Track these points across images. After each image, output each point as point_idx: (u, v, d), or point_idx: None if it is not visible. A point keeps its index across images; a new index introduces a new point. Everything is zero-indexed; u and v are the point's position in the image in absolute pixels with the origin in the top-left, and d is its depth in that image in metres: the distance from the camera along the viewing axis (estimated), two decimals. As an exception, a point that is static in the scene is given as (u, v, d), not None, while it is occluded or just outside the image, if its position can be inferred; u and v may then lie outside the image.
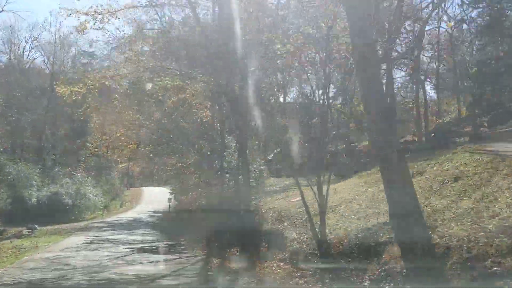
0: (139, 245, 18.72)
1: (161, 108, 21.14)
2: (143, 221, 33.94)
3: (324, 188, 13.44)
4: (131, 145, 23.32)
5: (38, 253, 16.81)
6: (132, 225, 31.04)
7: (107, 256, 14.95)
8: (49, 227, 30.48)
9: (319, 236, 12.36)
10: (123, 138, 24.07)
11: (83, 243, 19.66)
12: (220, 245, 17.61)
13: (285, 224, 16.18)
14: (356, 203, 15.72)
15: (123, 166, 61.38)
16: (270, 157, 21.16)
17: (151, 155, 25.40)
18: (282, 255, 13.79)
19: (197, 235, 21.68)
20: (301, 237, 13.96)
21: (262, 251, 15.04)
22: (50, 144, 44.65)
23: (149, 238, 22.17)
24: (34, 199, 35.11)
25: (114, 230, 27.34)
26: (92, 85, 15.02)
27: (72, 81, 15.03)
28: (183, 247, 18.31)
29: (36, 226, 30.13)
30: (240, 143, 17.13)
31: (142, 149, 24.27)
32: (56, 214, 34.85)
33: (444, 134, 33.73)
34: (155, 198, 50.81)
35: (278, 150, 17.06)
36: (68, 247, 18.28)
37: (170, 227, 28.03)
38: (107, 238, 21.75)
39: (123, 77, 15.24)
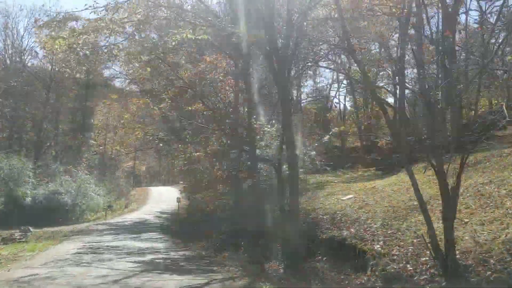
0: (148, 257, 13.56)
1: (174, 83, 16.03)
2: (151, 223, 28.86)
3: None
4: (137, 132, 18.16)
5: (9, 269, 11.62)
6: (138, 227, 25.97)
7: (102, 278, 9.74)
8: (45, 229, 25.95)
9: (445, 255, 7.17)
10: (128, 124, 19.01)
11: (76, 253, 14.52)
12: (258, 258, 12.49)
13: (352, 230, 11.00)
14: (459, 202, 10.50)
15: (128, 165, 56.28)
16: (326, 138, 15.85)
17: (161, 144, 20.18)
18: (366, 278, 8.67)
19: (220, 242, 16.61)
20: (394, 252, 8.79)
21: (329, 271, 9.91)
22: (50, 139, 39.42)
23: (159, 245, 17.03)
24: (29, 198, 29.96)
25: (117, 234, 22.24)
26: (84, 33, 9.88)
27: (55, 24, 9.78)
28: (208, 260, 13.14)
29: (30, 228, 25.42)
30: (284, 122, 11.96)
31: (151, 137, 19.09)
32: (55, 214, 30.01)
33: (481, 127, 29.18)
34: (163, 198, 46.16)
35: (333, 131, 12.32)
36: (54, 260, 13.14)
37: (183, 230, 22.95)
38: (107, 246, 16.60)
39: (127, 22, 10.14)
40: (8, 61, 39.85)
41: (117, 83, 41.49)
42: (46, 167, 37.71)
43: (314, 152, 14.11)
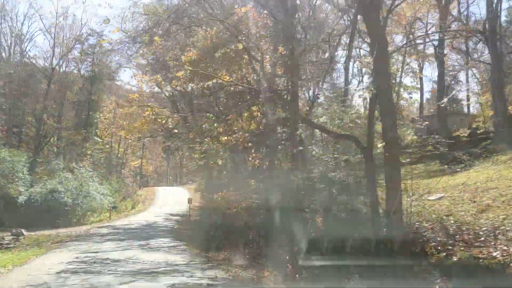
0: (164, 281, 8.83)
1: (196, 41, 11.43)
2: (160, 227, 24.22)
3: None
4: (147, 112, 13.53)
5: None
6: (146, 231, 21.37)
7: None
8: (40, 233, 21.32)
9: None
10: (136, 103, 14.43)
11: (60, 272, 9.87)
12: (330, 282, 7.83)
13: (507, 249, 6.30)
14: None
15: (135, 164, 51.57)
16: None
17: (176, 131, 15.56)
18: None
19: (252, 254, 12.00)
20: None
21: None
22: (52, 133, 34.75)
23: (175, 258, 12.35)
24: (23, 197, 25.40)
25: (121, 240, 17.61)
26: None
27: None
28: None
29: (23, 231, 21.35)
30: (380, 81, 7.32)
31: (163, 120, 14.49)
32: (53, 215, 25.61)
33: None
34: (171, 199, 41.49)
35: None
36: (23, 285, 8.48)
37: (199, 236, 18.23)
38: (106, 259, 11.93)
39: None
40: (6, 48, 35.35)
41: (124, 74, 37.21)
42: (47, 164, 33.23)
43: (425, 123, 9.37)
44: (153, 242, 16.75)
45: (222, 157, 16.97)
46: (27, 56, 34.13)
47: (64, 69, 36.56)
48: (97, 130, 43.77)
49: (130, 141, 32.94)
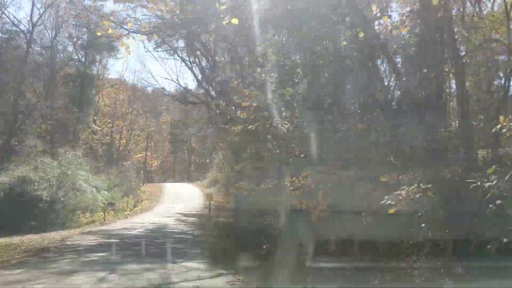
0: None
1: None
2: (176, 233, 15.15)
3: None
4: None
5: None
6: (156, 242, 12.27)
7: None
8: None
9: None
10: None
11: None
12: None
13: None
14: None
15: (139, 156, 42.17)
16: None
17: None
18: None
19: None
20: None
21: None
22: (29, 110, 25.17)
23: None
24: (-26, 189, 16.17)
25: (112, 264, 8.41)
26: None
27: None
28: None
29: None
30: None
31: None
32: (23, 214, 16.71)
33: None
34: (181, 196, 32.36)
35: None
36: None
37: (242, 252, 9.00)
38: None
39: None
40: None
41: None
42: (24, 148, 23.82)
43: None
44: (177, 277, 7.54)
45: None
46: (2, 10, 24.60)
47: (52, 34, 27.35)
48: (95, 118, 34.64)
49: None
